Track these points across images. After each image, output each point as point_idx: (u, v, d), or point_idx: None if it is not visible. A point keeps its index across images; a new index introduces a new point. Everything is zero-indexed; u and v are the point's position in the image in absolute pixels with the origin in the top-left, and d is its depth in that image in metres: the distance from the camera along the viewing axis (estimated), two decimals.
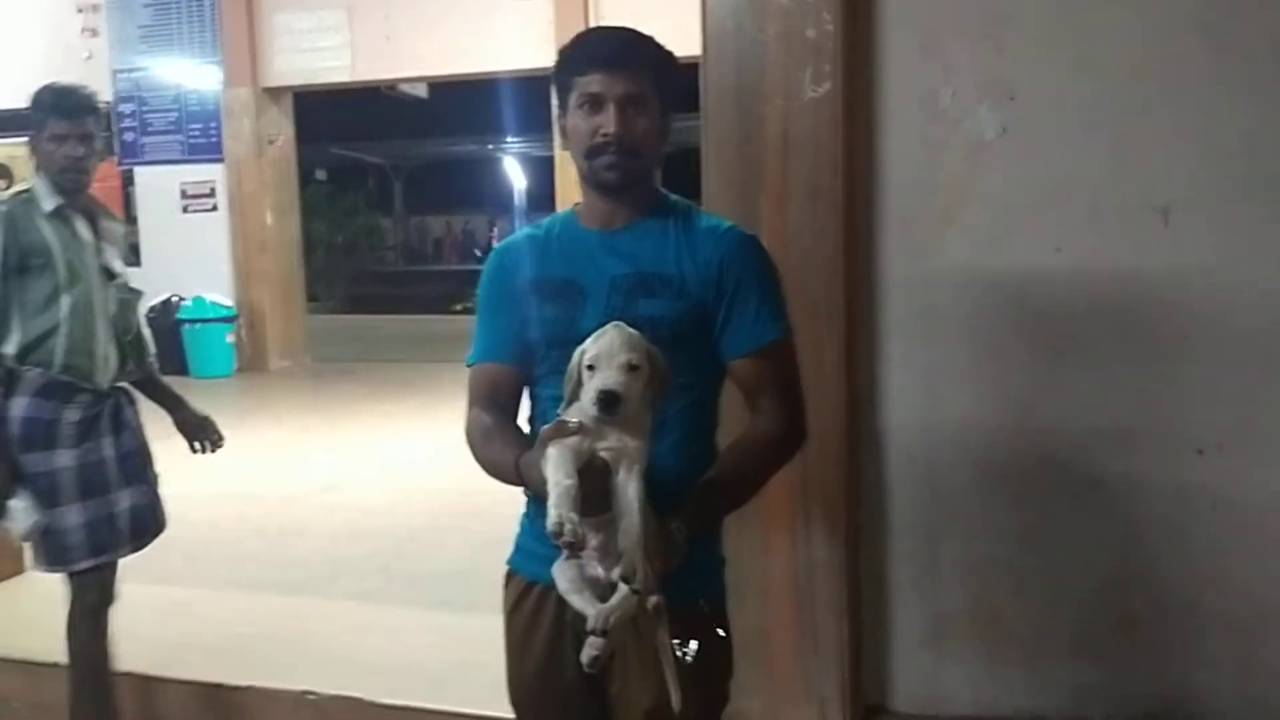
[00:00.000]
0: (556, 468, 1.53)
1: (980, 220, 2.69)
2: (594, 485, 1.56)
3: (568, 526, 1.49)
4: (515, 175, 24.50)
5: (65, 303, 2.90)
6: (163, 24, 9.97)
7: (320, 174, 26.42)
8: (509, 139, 22.74)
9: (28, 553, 2.99)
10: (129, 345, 3.09)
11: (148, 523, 3.09)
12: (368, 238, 22.77)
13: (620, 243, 1.80)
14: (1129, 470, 2.65)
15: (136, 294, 3.19)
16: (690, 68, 2.39)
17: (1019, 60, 2.64)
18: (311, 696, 3.19)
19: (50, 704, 3.38)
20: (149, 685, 3.31)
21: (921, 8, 2.70)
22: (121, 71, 9.98)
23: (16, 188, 3.00)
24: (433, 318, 14.92)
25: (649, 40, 1.80)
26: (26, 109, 2.97)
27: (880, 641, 2.86)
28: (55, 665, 3.40)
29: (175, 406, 3.23)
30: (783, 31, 2.66)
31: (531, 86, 10.12)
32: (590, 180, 1.81)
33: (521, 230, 1.95)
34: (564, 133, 1.81)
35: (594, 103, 1.74)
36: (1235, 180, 2.52)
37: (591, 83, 1.74)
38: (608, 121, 1.73)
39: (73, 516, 2.91)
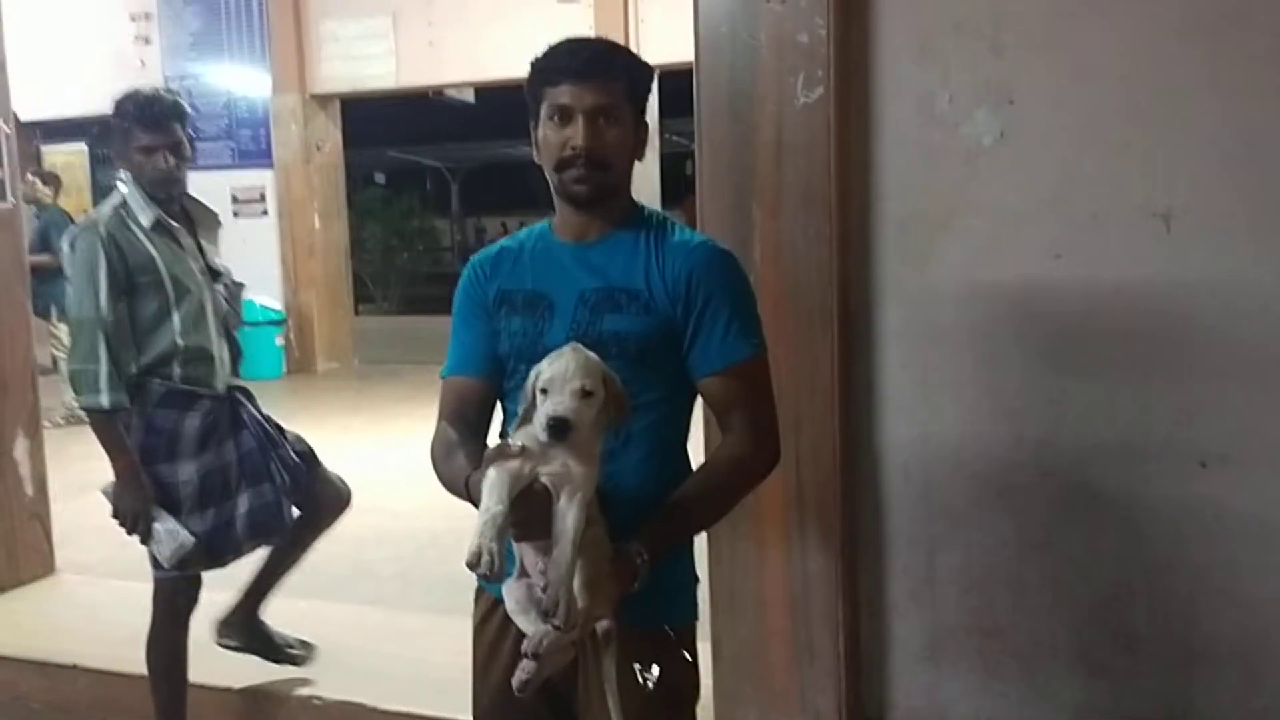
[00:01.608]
0: (490, 492, 1.51)
1: (978, 226, 2.64)
2: (537, 510, 1.53)
3: (484, 558, 1.45)
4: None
5: (177, 316, 2.90)
6: (213, 32, 10.15)
7: (379, 177, 26.75)
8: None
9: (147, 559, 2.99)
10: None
11: (268, 522, 3.05)
12: (423, 239, 22.96)
13: (591, 256, 1.77)
14: (1130, 482, 2.58)
15: (240, 286, 3.23)
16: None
17: (1017, 64, 2.59)
18: (317, 701, 3.22)
19: (68, 704, 3.47)
20: None
21: (918, 11, 2.65)
22: (173, 79, 10.14)
23: (108, 203, 2.92)
24: None
25: (622, 50, 1.78)
26: (109, 117, 2.91)
27: (878, 654, 2.82)
28: (74, 666, 3.51)
29: None
30: (775, 36, 2.64)
31: None
32: (561, 193, 1.78)
33: (499, 241, 1.93)
34: (536, 146, 1.78)
35: (563, 114, 1.71)
36: (1238, 186, 2.45)
37: (561, 94, 1.71)
38: (576, 134, 1.70)
39: (194, 525, 2.92)
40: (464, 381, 1.83)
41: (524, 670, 1.57)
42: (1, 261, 4.19)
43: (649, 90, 1.80)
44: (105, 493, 2.92)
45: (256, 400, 3.15)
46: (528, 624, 1.62)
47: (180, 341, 2.90)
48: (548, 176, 1.79)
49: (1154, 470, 2.56)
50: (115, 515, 2.90)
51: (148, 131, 2.85)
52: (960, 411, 2.70)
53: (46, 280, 7.65)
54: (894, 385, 2.73)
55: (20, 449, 4.22)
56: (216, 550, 2.97)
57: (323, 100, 10.30)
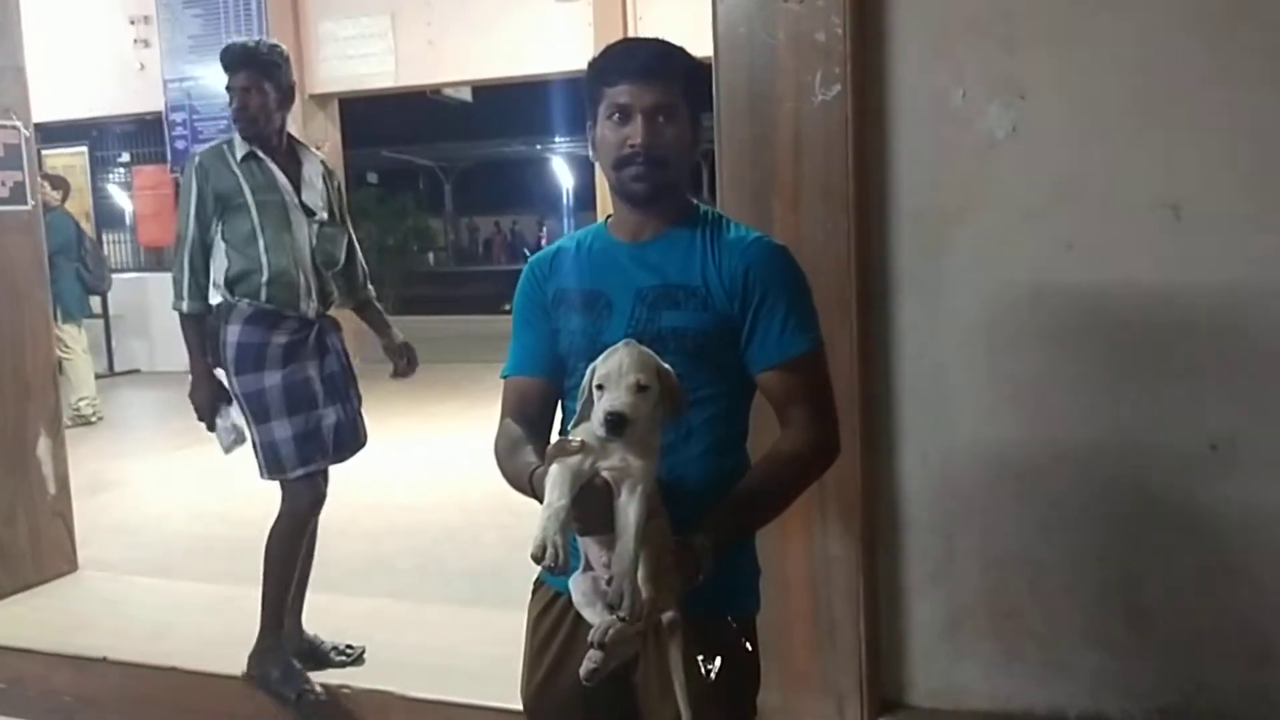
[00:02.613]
0: (552, 488, 1.53)
1: (992, 219, 2.72)
2: (598, 504, 1.56)
3: (549, 550, 1.48)
4: (563, 175, 24.64)
5: (262, 240, 3.19)
6: (212, 34, 10.15)
7: (372, 177, 26.74)
8: (556, 139, 22.86)
9: (252, 464, 3.28)
10: (337, 277, 3.40)
11: (348, 438, 3.36)
12: (418, 239, 22.96)
13: (648, 254, 1.80)
14: (1142, 465, 2.66)
15: (340, 228, 3.43)
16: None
17: (1029, 59, 2.66)
18: (346, 690, 3.28)
19: (99, 698, 3.52)
20: (191, 680, 3.42)
21: (932, 9, 2.72)
22: (173, 81, 10.17)
23: (219, 139, 3.31)
24: (482, 318, 14.99)
25: (679, 50, 1.79)
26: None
27: (897, 636, 2.89)
28: (104, 659, 3.56)
29: (383, 331, 3.66)
30: (792, 35, 2.70)
31: (574, 88, 10.20)
32: (619, 191, 1.81)
33: (557, 242, 1.96)
34: (594, 144, 1.81)
35: (622, 114, 1.74)
36: (1248, 176, 2.52)
37: (620, 93, 1.74)
38: (635, 132, 1.73)
39: (281, 430, 3.20)
40: (525, 381, 1.86)
41: (591, 660, 1.58)
42: (22, 264, 4.24)
43: (707, 90, 1.85)
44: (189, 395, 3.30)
45: (342, 333, 3.43)
46: (594, 615, 1.65)
47: (265, 263, 3.19)
48: (605, 175, 1.81)
49: (1165, 453, 2.64)
50: (193, 406, 3.30)
51: (230, 73, 3.22)
52: (975, 399, 2.77)
53: (51, 283, 7.69)
54: (911, 374, 2.80)
55: (43, 448, 4.27)
56: (305, 453, 3.23)
57: (322, 100, 10.31)
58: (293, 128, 9.84)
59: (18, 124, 4.19)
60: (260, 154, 3.22)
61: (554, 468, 1.55)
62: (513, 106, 16.32)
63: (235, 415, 3.27)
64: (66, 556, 4.36)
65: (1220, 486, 2.60)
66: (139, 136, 12.27)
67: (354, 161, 21.80)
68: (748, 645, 1.84)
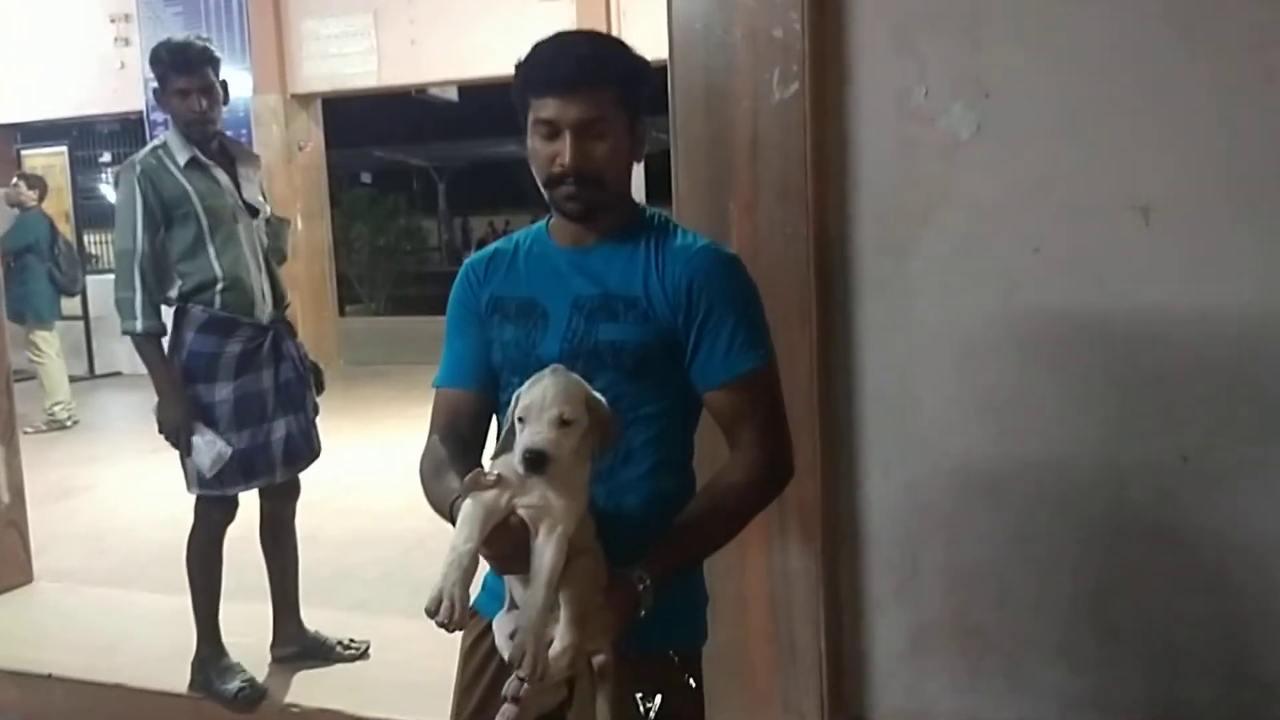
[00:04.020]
0: (461, 527, 1.42)
1: (956, 220, 2.62)
2: (514, 544, 1.45)
3: (444, 604, 1.36)
4: None
5: (212, 247, 3.10)
6: (193, 32, 10.08)
7: (365, 177, 26.68)
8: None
9: (179, 478, 3.21)
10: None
11: (301, 450, 3.29)
12: (410, 239, 22.91)
13: (589, 262, 1.68)
14: (1112, 476, 2.56)
15: (284, 222, 3.41)
16: None
17: (995, 57, 2.56)
18: (295, 709, 3.19)
19: (45, 714, 3.43)
20: (137, 696, 3.33)
21: (893, 4, 2.62)
22: (154, 80, 10.10)
23: (148, 145, 3.17)
24: None
25: (611, 51, 1.65)
26: (153, 66, 3.12)
27: (860, 653, 2.79)
28: (49, 676, 3.46)
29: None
30: (749, 32, 2.61)
31: None
32: (553, 207, 1.70)
33: (495, 243, 1.84)
34: (530, 152, 1.68)
35: (549, 130, 1.61)
36: (1217, 178, 2.42)
37: (545, 107, 1.60)
38: (563, 150, 1.60)
39: (230, 443, 3.11)
40: (457, 394, 1.74)
41: (504, 715, 1.44)
42: None
43: (645, 88, 1.69)
44: (154, 411, 3.15)
45: (299, 339, 3.36)
46: None
47: (218, 271, 3.10)
48: (541, 189, 1.69)
49: (1136, 464, 2.54)
50: (160, 430, 3.13)
51: (180, 76, 3.07)
52: (940, 407, 2.67)
53: (21, 285, 7.61)
54: (873, 382, 2.71)
55: None
56: (251, 469, 3.16)
57: (304, 100, 10.24)
58: (273, 128, 9.83)
59: None
60: (202, 158, 3.12)
61: (467, 504, 1.44)
62: (502, 105, 16.21)
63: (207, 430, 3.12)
64: (21, 567, 4.27)
65: (1193, 498, 2.51)
66: (121, 136, 12.16)
67: (346, 161, 21.77)
68: (690, 682, 1.73)
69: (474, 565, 1.40)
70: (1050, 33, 2.52)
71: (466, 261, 1.82)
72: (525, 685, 1.44)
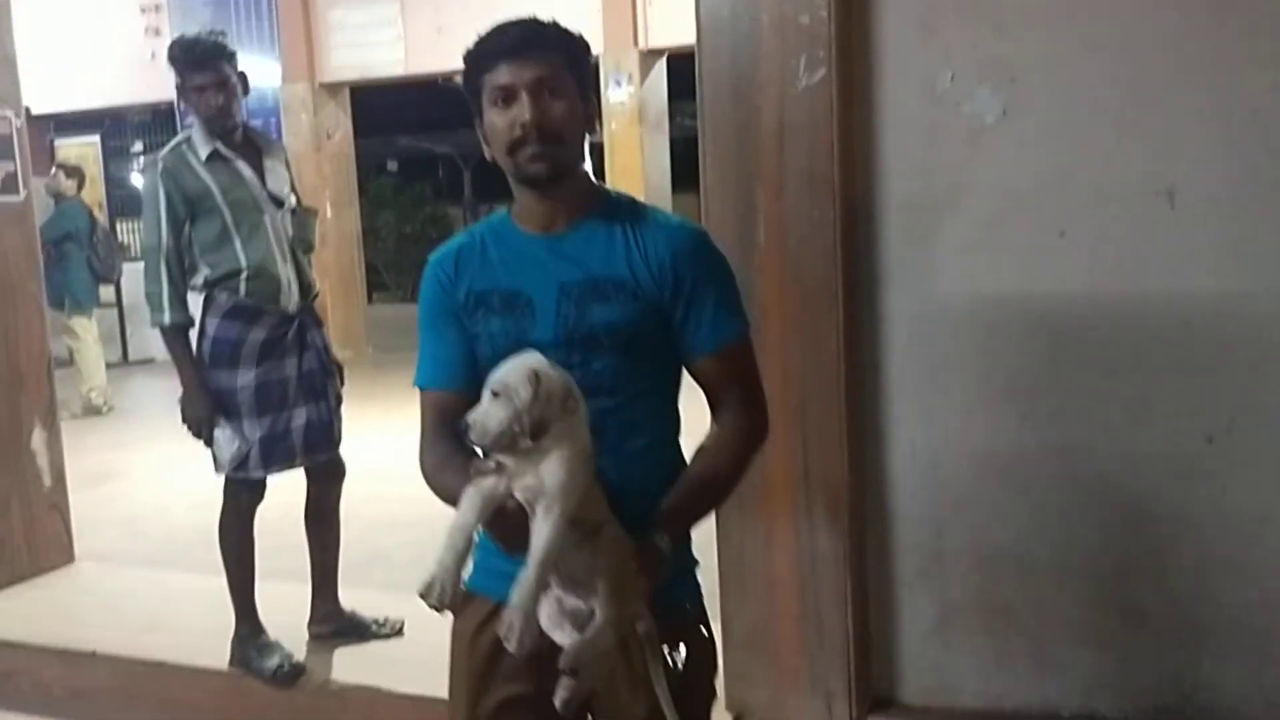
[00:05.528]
0: (457, 516, 1.47)
1: (981, 205, 2.64)
2: (514, 528, 1.49)
3: (435, 589, 1.42)
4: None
5: (238, 238, 3.13)
6: (223, 22, 10.14)
7: (391, 165, 26.73)
8: None
9: (209, 459, 3.26)
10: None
11: (320, 439, 3.32)
12: (435, 226, 23.01)
13: (565, 247, 1.72)
14: (1137, 457, 2.59)
15: (311, 212, 3.43)
16: None
17: (1020, 41, 2.58)
18: (333, 686, 3.25)
19: (88, 691, 3.51)
20: (179, 674, 3.40)
21: None
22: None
23: (172, 141, 3.20)
24: None
25: (552, 25, 1.72)
26: (170, 63, 3.15)
27: (886, 633, 2.83)
28: (93, 654, 3.54)
29: None
30: (776, 19, 2.63)
31: None
32: (519, 177, 1.71)
33: (453, 239, 1.84)
34: (485, 139, 1.72)
35: (506, 95, 1.66)
36: (1243, 160, 2.44)
37: (499, 75, 1.66)
38: (523, 110, 1.64)
39: (251, 430, 3.17)
40: (443, 396, 1.76)
41: (564, 688, 1.50)
42: (15, 256, 4.21)
43: (588, 63, 1.75)
44: (179, 403, 3.20)
45: (324, 330, 3.38)
46: (563, 638, 1.55)
47: (244, 261, 3.13)
48: (502, 165, 1.72)
49: (1160, 445, 2.56)
50: (184, 421, 3.19)
51: (195, 72, 3.09)
52: (965, 390, 2.70)
53: (60, 273, 7.72)
54: (899, 365, 2.74)
55: (38, 440, 4.26)
56: (270, 456, 3.20)
57: (332, 89, 10.32)
58: (302, 116, 9.87)
59: (9, 114, 4.16)
60: (224, 151, 3.15)
61: (467, 490, 1.49)
62: None
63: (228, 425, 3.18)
64: (63, 549, 4.35)
65: (1217, 480, 2.53)
66: (152, 126, 12.29)
67: (373, 150, 21.84)
68: (704, 631, 1.81)
69: (466, 550, 1.46)
70: (1076, 16, 2.54)
71: (432, 260, 1.82)
72: (581, 654, 1.50)
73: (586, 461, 1.53)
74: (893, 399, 2.75)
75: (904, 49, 2.65)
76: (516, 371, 1.50)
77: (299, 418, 3.24)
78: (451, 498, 1.59)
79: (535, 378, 1.49)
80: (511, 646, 1.44)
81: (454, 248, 1.80)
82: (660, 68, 9.78)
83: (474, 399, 1.65)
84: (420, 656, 3.36)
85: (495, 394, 1.49)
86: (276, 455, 3.21)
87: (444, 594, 1.42)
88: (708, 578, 2.83)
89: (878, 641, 2.83)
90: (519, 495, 1.49)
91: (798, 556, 2.76)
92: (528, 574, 1.45)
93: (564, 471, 1.48)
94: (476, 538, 1.53)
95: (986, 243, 2.64)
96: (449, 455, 1.67)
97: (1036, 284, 2.62)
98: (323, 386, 3.31)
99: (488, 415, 1.48)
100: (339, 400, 3.38)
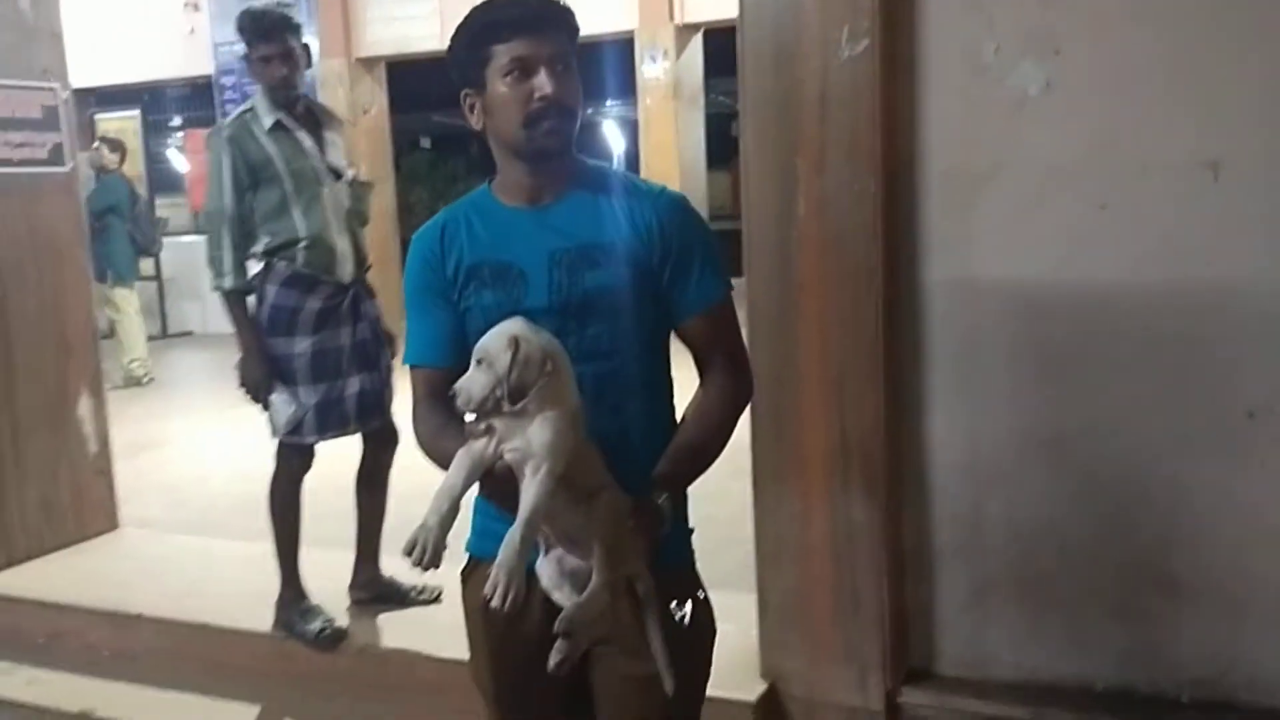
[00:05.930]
0: (448, 476, 1.52)
1: (1024, 178, 2.64)
2: (506, 489, 1.53)
3: (417, 549, 1.46)
4: (614, 138, 24.56)
5: (297, 208, 3.21)
6: None
7: (425, 141, 26.77)
8: (607, 103, 22.70)
9: (252, 429, 3.35)
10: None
11: (372, 406, 3.38)
12: None
13: (551, 217, 1.75)
14: (1176, 432, 2.58)
15: (367, 185, 3.51)
16: None
17: (1064, 13, 2.57)
18: (374, 650, 3.31)
19: (134, 653, 3.58)
20: (222, 635, 3.47)
21: None
22: (222, 45, 10.21)
23: (237, 110, 3.30)
24: None
25: (558, 2, 1.73)
26: (238, 33, 3.24)
27: (922, 605, 2.84)
28: (139, 616, 3.61)
29: None
30: None
31: (621, 50, 10.07)
32: (527, 150, 1.71)
33: (436, 217, 1.83)
34: (483, 109, 1.72)
35: (523, 67, 1.66)
36: None
37: (517, 47, 1.66)
38: (544, 84, 1.66)
39: (306, 397, 3.24)
40: (434, 373, 1.77)
41: (558, 650, 1.57)
42: (62, 226, 4.28)
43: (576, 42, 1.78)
44: (236, 367, 3.29)
45: (377, 301, 3.45)
46: (563, 598, 1.61)
47: (301, 231, 3.21)
48: (506, 138, 1.72)
49: (1200, 419, 2.56)
50: (241, 384, 3.28)
51: (261, 42, 3.18)
52: (1005, 364, 2.70)
53: (104, 244, 7.81)
54: (939, 338, 2.74)
55: (84, 408, 4.34)
56: (325, 422, 3.28)
57: (368, 63, 10.33)
58: (339, 91, 9.89)
59: (55, 86, 4.22)
60: (287, 122, 3.22)
61: (459, 454, 1.54)
62: None
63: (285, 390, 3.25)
64: (108, 514, 4.43)
65: (1258, 454, 2.52)
66: (191, 100, 12.38)
67: (407, 126, 21.86)
68: (700, 593, 1.83)
69: (451, 511, 1.50)
70: None
71: (416, 238, 1.82)
72: (574, 617, 1.55)
73: (573, 421, 1.55)
74: (931, 372, 2.76)
75: (948, 20, 2.64)
76: (497, 338, 1.55)
77: (353, 386, 3.30)
78: (445, 460, 1.62)
79: (514, 343, 1.53)
80: (495, 603, 1.46)
81: (438, 225, 1.81)
82: (696, 43, 9.73)
83: (463, 372, 1.67)
84: (458, 622, 3.39)
85: (479, 361, 1.55)
86: (331, 421, 3.28)
87: (424, 555, 1.47)
88: (744, 549, 2.90)
89: (913, 613, 2.85)
90: (508, 457, 1.53)
91: (834, 528, 2.78)
92: (513, 532, 1.49)
93: (550, 431, 1.52)
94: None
95: (1028, 216, 2.64)
96: (443, 424, 1.70)
97: (1077, 258, 2.61)
98: (375, 356, 3.37)
99: (472, 381, 1.54)
100: (390, 370, 3.42)
